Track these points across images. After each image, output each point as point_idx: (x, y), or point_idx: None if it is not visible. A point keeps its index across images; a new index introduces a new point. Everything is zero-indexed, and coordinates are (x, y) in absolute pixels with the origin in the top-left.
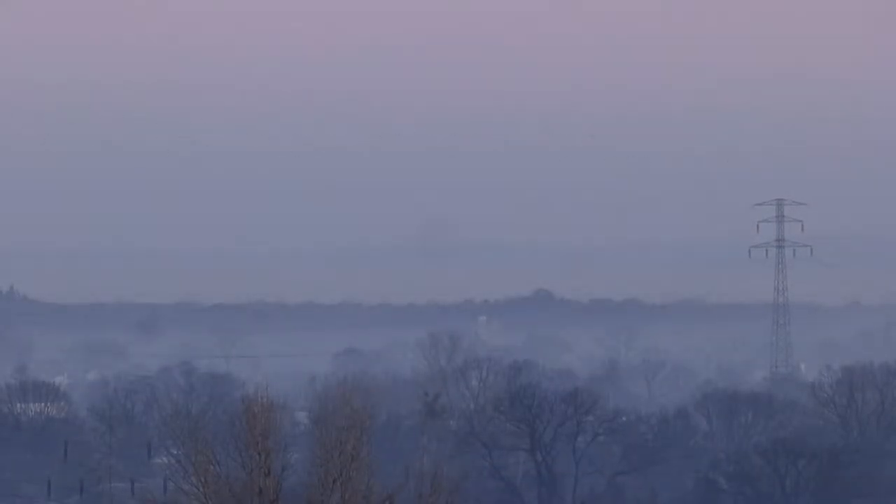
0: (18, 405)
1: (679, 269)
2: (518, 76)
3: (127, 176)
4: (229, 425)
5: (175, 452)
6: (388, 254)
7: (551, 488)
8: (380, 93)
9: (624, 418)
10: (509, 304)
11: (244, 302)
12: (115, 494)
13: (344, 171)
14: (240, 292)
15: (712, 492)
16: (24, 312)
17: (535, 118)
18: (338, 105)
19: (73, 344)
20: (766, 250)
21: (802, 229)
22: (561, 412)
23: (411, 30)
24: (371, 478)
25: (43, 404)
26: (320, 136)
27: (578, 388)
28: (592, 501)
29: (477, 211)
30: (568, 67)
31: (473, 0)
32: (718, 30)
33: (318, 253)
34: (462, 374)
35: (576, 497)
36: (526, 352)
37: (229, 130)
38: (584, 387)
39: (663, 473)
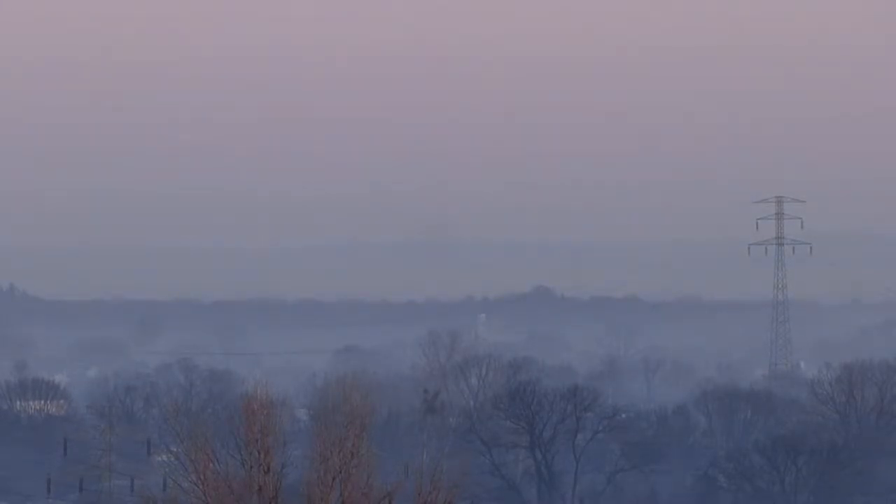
0: (18, 402)
1: (678, 267)
2: (517, 76)
3: (127, 175)
4: (229, 422)
5: (174, 450)
6: (388, 251)
7: (551, 486)
8: (380, 92)
9: (623, 416)
10: (509, 302)
11: (244, 299)
12: (114, 492)
13: (344, 170)
14: (240, 290)
15: (712, 489)
16: (25, 310)
17: (534, 118)
18: (338, 104)
19: (72, 341)
20: (766, 248)
21: (802, 227)
22: (560, 409)
23: (411, 30)
24: (371, 475)
25: (43, 402)
26: (320, 135)
27: (578, 385)
28: (592, 499)
29: (477, 209)
30: (567, 68)
31: (483, 10)
32: (720, 30)
33: (319, 250)
34: (462, 371)
35: (575, 494)
36: (525, 349)
37: (229, 130)
38: (584, 384)
39: (663, 471)
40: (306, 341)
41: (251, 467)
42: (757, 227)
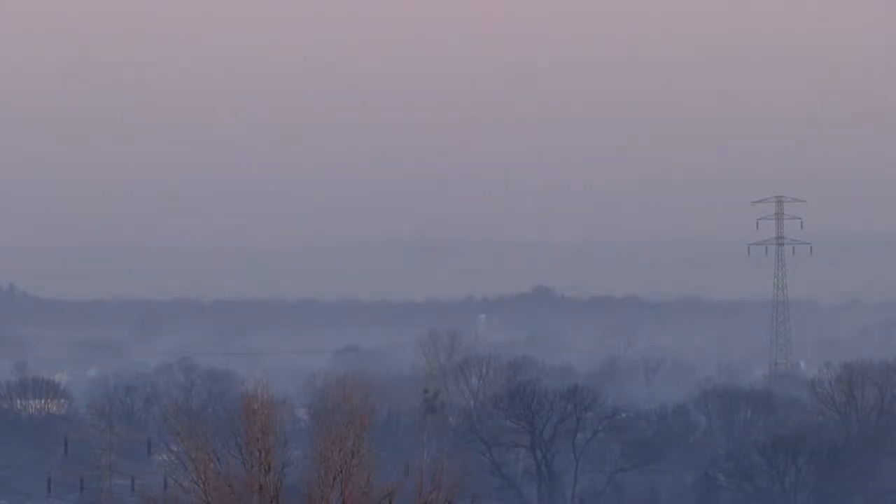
0: (19, 402)
1: (679, 267)
2: (517, 77)
3: (126, 174)
4: (229, 422)
5: (175, 449)
6: (389, 251)
7: (551, 485)
8: (379, 93)
9: (623, 415)
10: (509, 302)
11: (244, 299)
12: (115, 491)
13: (344, 169)
14: (240, 289)
15: (712, 489)
16: (25, 310)
17: (534, 118)
18: (338, 104)
19: (73, 341)
20: (766, 248)
21: (802, 227)
22: (561, 409)
23: (411, 31)
24: (371, 474)
25: (43, 401)
26: (320, 135)
27: (578, 385)
28: (592, 498)
29: (477, 209)
30: (567, 68)
31: (483, 10)
32: (720, 30)
33: (319, 250)
34: (462, 371)
35: (575, 494)
36: (526, 349)
37: (229, 130)
38: (584, 384)
39: (663, 470)
40: (306, 341)
41: (252, 467)
42: (757, 227)
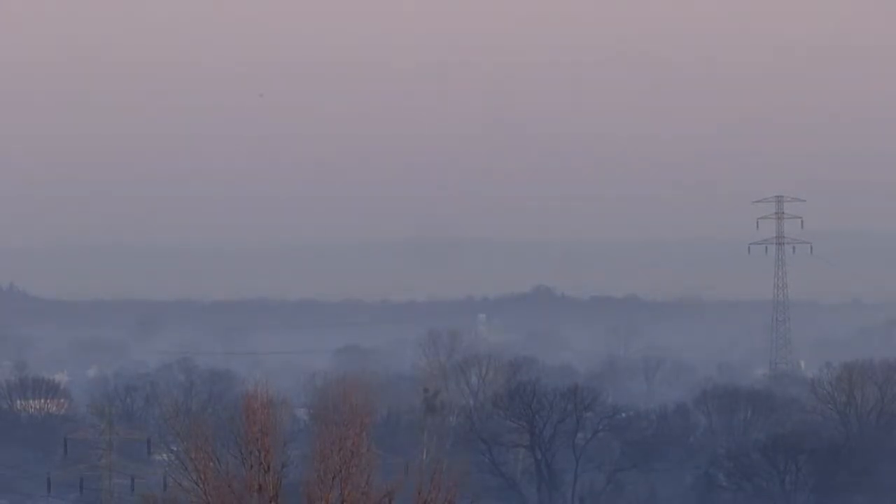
0: (18, 402)
1: (679, 267)
2: (518, 76)
3: (127, 173)
4: (229, 422)
5: (175, 449)
6: (389, 251)
7: (551, 484)
8: (379, 92)
9: (623, 415)
10: (509, 302)
11: (244, 299)
12: (114, 491)
13: (344, 169)
14: (240, 289)
15: (712, 488)
16: (25, 309)
17: (535, 117)
18: (338, 104)
19: (73, 341)
20: (766, 247)
21: (802, 226)
22: (560, 409)
23: (410, 31)
24: (371, 474)
25: (43, 401)
26: (321, 134)
27: (578, 384)
28: (592, 498)
29: (477, 209)
30: (567, 69)
31: (482, 11)
32: (719, 30)
33: (319, 250)
34: (462, 370)
35: (575, 493)
36: (526, 349)
37: (230, 130)
38: (584, 383)
39: (663, 470)
40: (306, 341)
41: (251, 466)
42: (757, 227)
